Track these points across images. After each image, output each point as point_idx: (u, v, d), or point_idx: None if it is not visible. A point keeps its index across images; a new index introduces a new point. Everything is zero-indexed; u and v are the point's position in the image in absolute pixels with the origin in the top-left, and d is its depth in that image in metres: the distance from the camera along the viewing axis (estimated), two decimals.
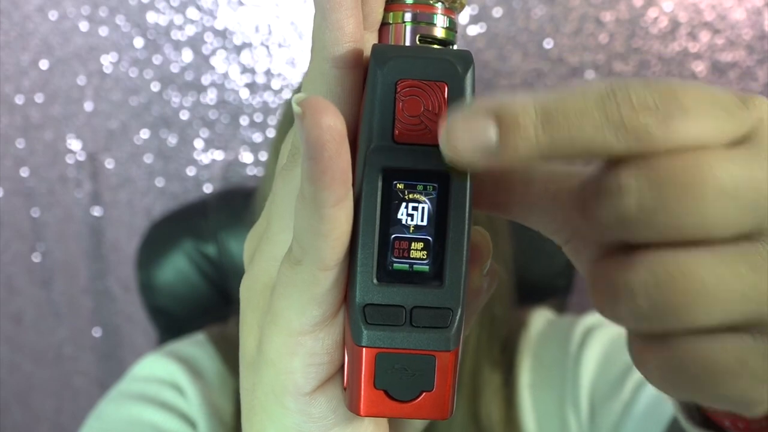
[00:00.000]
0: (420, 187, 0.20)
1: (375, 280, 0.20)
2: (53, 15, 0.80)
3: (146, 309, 0.74)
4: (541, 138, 0.18)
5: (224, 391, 0.53)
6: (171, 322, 0.73)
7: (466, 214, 0.20)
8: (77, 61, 0.81)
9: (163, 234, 0.74)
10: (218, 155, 0.83)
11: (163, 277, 0.72)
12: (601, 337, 0.53)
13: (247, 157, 0.83)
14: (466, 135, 0.19)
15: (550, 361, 0.54)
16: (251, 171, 0.83)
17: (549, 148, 0.18)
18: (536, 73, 0.80)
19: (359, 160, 0.21)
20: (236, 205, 0.75)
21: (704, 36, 0.78)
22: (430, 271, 0.21)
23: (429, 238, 0.21)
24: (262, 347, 0.22)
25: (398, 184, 0.20)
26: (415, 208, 0.20)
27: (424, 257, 0.21)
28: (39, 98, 0.82)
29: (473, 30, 0.79)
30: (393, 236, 0.21)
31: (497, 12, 0.78)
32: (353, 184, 0.20)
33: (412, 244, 0.21)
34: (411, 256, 0.21)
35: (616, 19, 0.78)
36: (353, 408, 0.21)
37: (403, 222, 0.20)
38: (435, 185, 0.20)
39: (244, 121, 0.82)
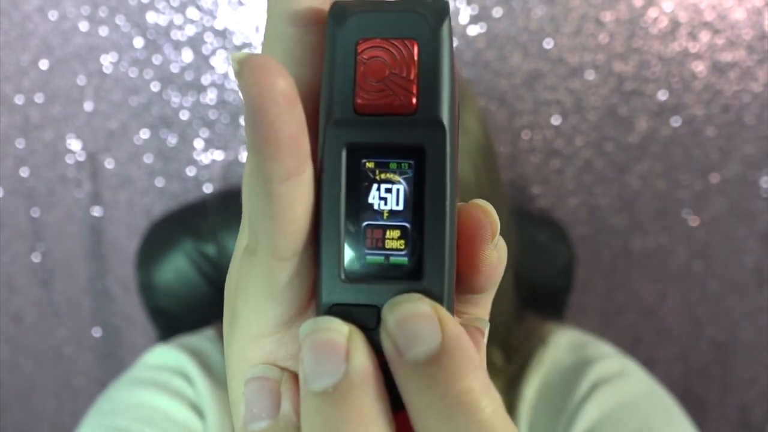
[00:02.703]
0: (393, 165, 0.17)
1: (342, 276, 0.18)
2: (53, 15, 0.80)
3: (146, 309, 0.74)
4: None
5: None
6: (171, 322, 0.73)
7: (447, 193, 0.17)
8: (77, 61, 0.81)
9: (163, 234, 0.74)
10: (218, 155, 0.83)
11: (162, 277, 0.72)
12: (606, 398, 0.50)
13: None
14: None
15: (554, 396, 0.53)
16: None
17: None
18: (536, 73, 0.80)
19: (320, 137, 0.18)
20: (236, 205, 0.75)
21: (704, 36, 0.78)
22: (410, 263, 0.18)
23: (406, 224, 0.18)
24: (225, 354, 0.20)
25: (367, 163, 0.18)
26: (388, 190, 0.18)
27: (402, 247, 0.18)
28: (39, 98, 0.82)
29: (473, 30, 0.79)
30: (365, 224, 0.18)
31: (497, 12, 0.78)
32: (316, 163, 0.17)
33: (387, 232, 0.18)
34: (386, 246, 0.18)
35: (616, 19, 0.78)
36: None
37: (376, 207, 0.18)
38: (410, 162, 0.17)
39: (244, 121, 0.82)
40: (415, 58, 0.17)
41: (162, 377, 0.52)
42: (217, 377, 0.53)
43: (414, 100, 0.17)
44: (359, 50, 0.17)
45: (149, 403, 0.49)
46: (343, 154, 0.17)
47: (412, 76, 0.17)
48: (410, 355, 0.16)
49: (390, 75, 0.17)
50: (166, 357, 0.55)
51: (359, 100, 0.17)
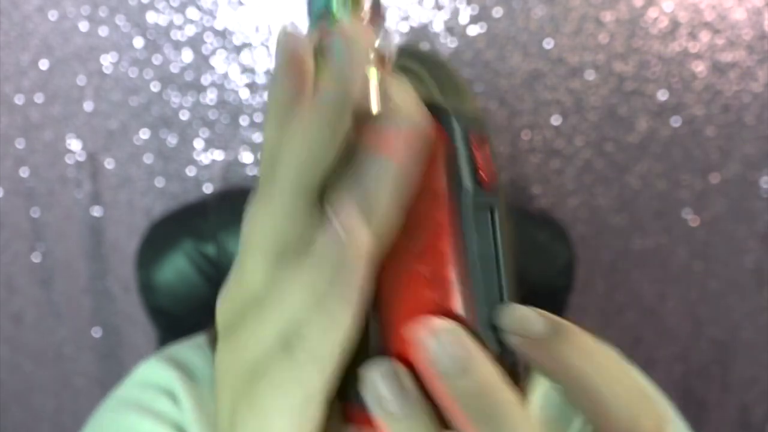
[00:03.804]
0: None
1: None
2: (53, 15, 0.80)
3: (146, 309, 0.74)
4: None
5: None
6: (171, 322, 0.73)
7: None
8: (77, 61, 0.81)
9: (163, 234, 0.74)
10: (218, 155, 0.83)
11: (162, 277, 0.72)
12: None
13: (247, 157, 0.83)
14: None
15: (558, 403, 0.53)
16: (251, 171, 0.83)
17: None
18: (536, 73, 0.80)
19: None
20: (236, 205, 0.75)
21: (704, 36, 0.78)
22: None
23: None
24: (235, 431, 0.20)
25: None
26: None
27: None
28: (39, 98, 0.82)
29: (473, 30, 0.79)
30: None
31: (497, 12, 0.78)
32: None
33: None
34: None
35: (616, 19, 0.78)
36: None
37: None
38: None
39: (244, 121, 0.82)
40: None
41: (147, 397, 0.53)
42: (204, 391, 0.54)
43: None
44: (471, 139, 0.20)
45: (134, 429, 0.50)
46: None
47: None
48: None
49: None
50: (153, 374, 0.55)
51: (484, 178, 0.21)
